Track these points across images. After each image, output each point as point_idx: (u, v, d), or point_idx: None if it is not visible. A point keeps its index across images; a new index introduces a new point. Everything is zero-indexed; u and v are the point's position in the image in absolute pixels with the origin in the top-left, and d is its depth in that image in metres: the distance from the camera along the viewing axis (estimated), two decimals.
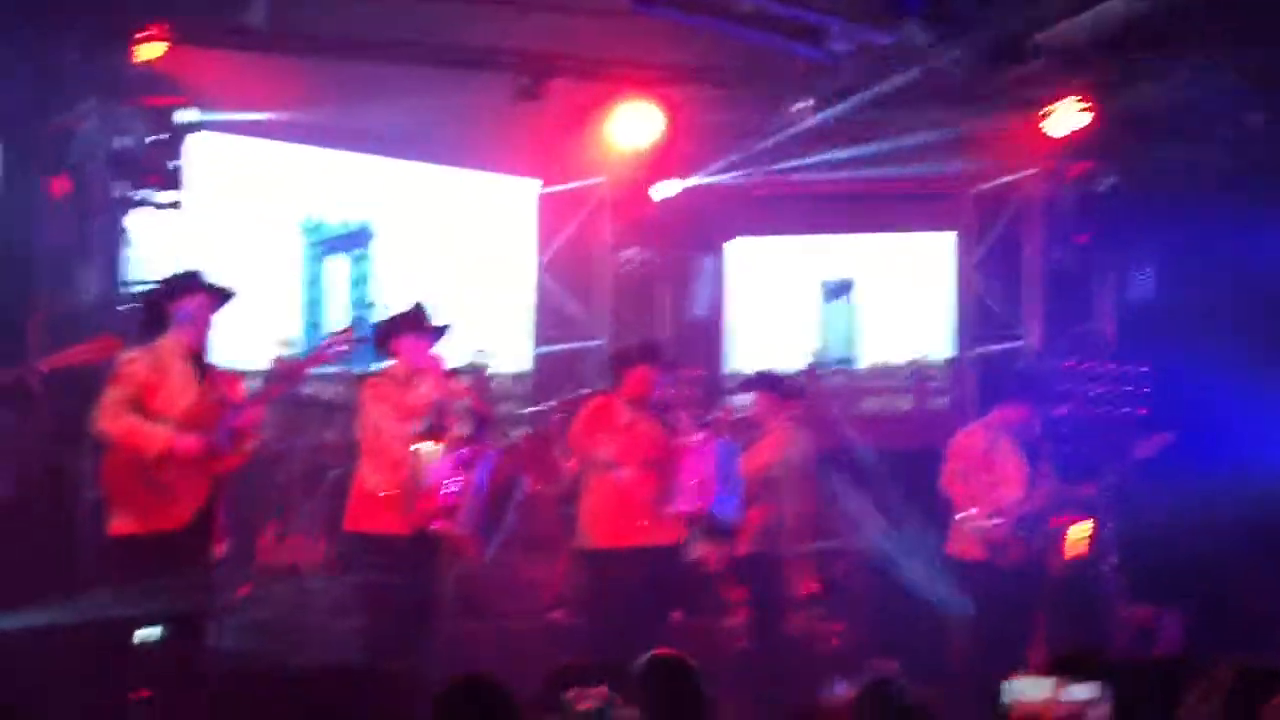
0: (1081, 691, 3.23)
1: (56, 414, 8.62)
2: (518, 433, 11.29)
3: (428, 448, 7.85)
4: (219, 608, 7.73)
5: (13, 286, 9.85)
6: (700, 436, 8.70)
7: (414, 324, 8.23)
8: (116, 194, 10.05)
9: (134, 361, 7.41)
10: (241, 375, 7.84)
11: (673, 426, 8.72)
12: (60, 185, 9.79)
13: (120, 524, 7.38)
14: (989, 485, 9.40)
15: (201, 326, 7.54)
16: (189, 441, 7.28)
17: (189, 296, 7.52)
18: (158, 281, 8.49)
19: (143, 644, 7.30)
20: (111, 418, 7.33)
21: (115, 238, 10.09)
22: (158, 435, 7.27)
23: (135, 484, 7.31)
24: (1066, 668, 3.31)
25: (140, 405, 7.35)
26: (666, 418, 8.76)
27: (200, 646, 7.44)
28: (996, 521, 9.26)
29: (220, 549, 7.48)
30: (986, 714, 3.40)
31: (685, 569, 9.13)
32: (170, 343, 7.48)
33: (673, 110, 11.38)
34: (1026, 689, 3.27)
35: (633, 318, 12.41)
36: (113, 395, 7.35)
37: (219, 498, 7.45)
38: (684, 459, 8.60)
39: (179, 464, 7.29)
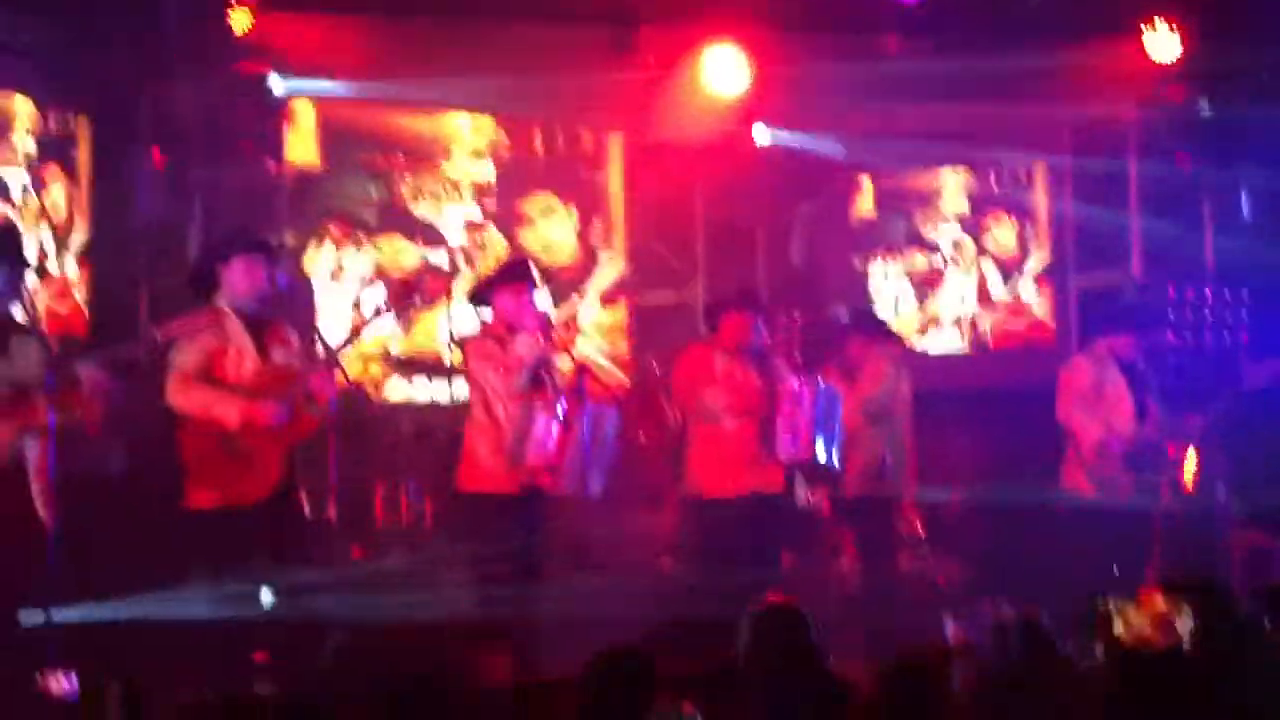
0: (1179, 611, 3.21)
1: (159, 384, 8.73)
2: (619, 385, 11.30)
3: (531, 403, 7.85)
4: (329, 570, 7.77)
5: (115, 260, 10.00)
6: (799, 382, 8.66)
7: (513, 278, 8.23)
8: (213, 164, 10.14)
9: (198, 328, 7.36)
10: (294, 332, 7.73)
11: (771, 373, 8.68)
12: (157, 157, 9.90)
13: (200, 496, 7.33)
14: (1101, 415, 9.32)
15: (254, 286, 7.42)
16: (266, 409, 7.19)
17: (235, 256, 7.44)
18: (206, 246, 8.54)
19: (258, 611, 7.39)
20: (182, 390, 7.26)
21: (214, 207, 10.18)
22: (232, 405, 7.20)
23: (215, 455, 7.26)
24: (1170, 590, 3.28)
25: (208, 373, 7.29)
26: (764, 364, 8.73)
27: (313, 609, 7.46)
28: (1106, 450, 9.20)
29: (330, 510, 7.50)
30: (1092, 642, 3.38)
31: (791, 515, 9.13)
32: (225, 306, 7.41)
33: (764, 57, 11.32)
34: (1126, 605, 3.26)
35: (728, 266, 12.38)
36: (180, 366, 7.27)
37: (301, 462, 7.41)
38: (784, 405, 8.56)
39: (254, 432, 7.23)
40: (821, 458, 8.67)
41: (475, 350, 8.13)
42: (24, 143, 9.74)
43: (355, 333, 8.10)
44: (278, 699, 3.60)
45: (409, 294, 8.20)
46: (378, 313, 7.94)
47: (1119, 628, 3.27)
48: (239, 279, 7.38)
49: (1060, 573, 8.77)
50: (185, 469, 7.46)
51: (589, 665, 4.85)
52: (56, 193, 9.91)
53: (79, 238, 10.00)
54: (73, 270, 9.94)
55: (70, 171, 9.99)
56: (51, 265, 9.82)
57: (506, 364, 7.88)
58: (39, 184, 9.80)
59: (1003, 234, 12.20)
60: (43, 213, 9.82)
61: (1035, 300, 12.09)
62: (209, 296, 7.44)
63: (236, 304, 7.38)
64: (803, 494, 9.48)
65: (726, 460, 8.57)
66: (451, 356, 9.26)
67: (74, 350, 7.38)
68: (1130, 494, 9.23)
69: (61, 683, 4.12)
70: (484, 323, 8.35)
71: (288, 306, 7.77)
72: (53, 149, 9.91)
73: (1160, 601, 3.30)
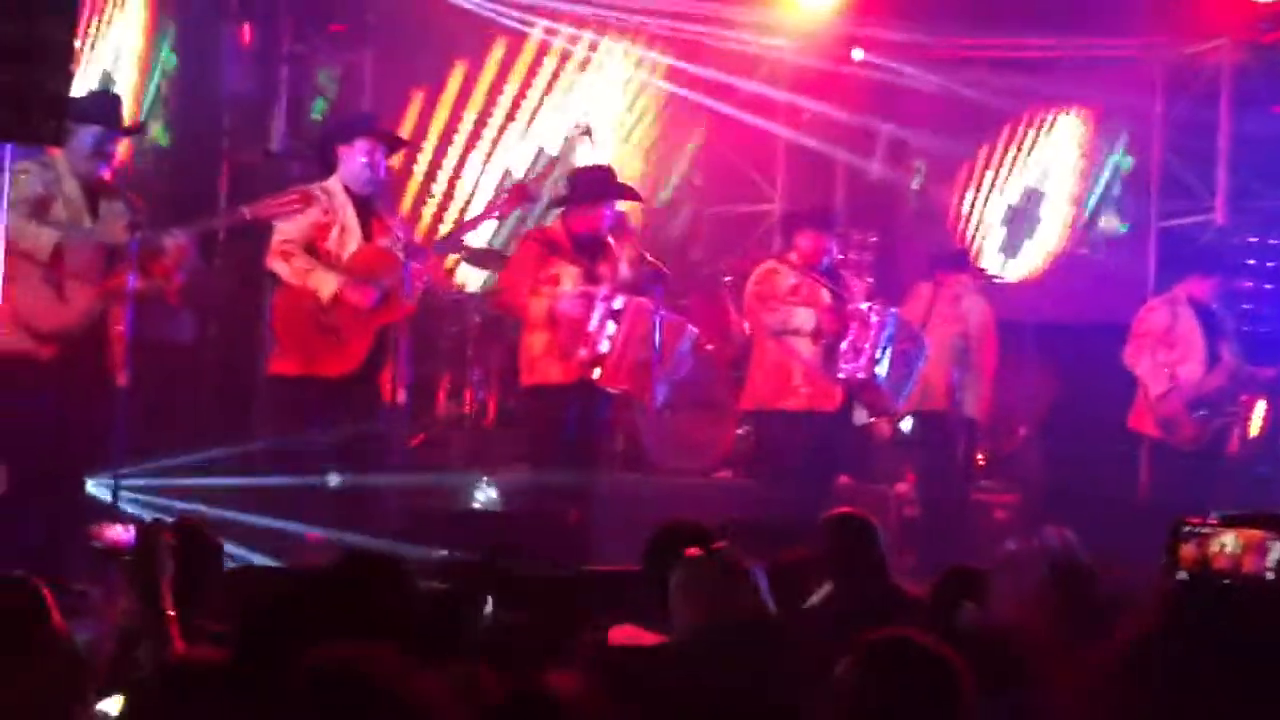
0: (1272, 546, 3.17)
1: (239, 258, 8.78)
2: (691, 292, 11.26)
3: (586, 299, 7.85)
4: (394, 452, 7.83)
5: (201, 134, 10.02)
6: (869, 305, 8.62)
7: (587, 190, 8.19)
8: (303, 43, 10.14)
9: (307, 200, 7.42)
10: (408, 220, 7.82)
11: (841, 293, 8.65)
12: (246, 34, 9.90)
13: (283, 364, 7.47)
14: (1171, 361, 9.26)
15: (370, 170, 7.48)
16: (360, 291, 7.27)
17: (358, 139, 7.50)
18: (329, 125, 8.58)
19: (324, 485, 7.46)
20: (283, 257, 7.36)
21: (302, 86, 10.19)
22: (329, 280, 7.28)
23: (304, 326, 7.34)
24: (1241, 523, 3.24)
25: (311, 246, 7.37)
26: (836, 284, 8.69)
27: (376, 489, 7.54)
28: (1172, 397, 9.15)
29: (400, 396, 7.54)
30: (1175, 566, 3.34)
31: (852, 434, 9.12)
32: (338, 184, 7.47)
33: None
34: (1218, 531, 3.22)
35: (806, 181, 12.31)
36: (286, 233, 7.37)
37: (390, 345, 7.46)
38: (851, 327, 8.53)
39: (349, 309, 7.30)
40: (883, 381, 8.63)
41: (525, 254, 8.14)
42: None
43: (464, 228, 8.12)
44: (329, 570, 3.65)
45: (527, 198, 8.21)
46: (488, 213, 7.96)
47: (1213, 549, 3.23)
48: (356, 162, 7.42)
49: (1125, 508, 8.77)
50: (273, 335, 7.62)
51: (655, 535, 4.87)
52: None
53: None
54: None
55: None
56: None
57: (550, 277, 7.90)
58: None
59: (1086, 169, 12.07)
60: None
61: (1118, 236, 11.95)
62: (327, 173, 7.52)
63: (349, 185, 7.43)
64: (863, 415, 9.46)
65: (788, 376, 8.55)
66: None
67: (161, 217, 7.41)
68: (1196, 438, 9.18)
69: (119, 532, 4.16)
70: (542, 227, 8.35)
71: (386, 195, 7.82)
72: None
73: (1254, 532, 3.26)
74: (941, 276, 9.57)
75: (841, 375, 8.55)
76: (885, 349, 8.55)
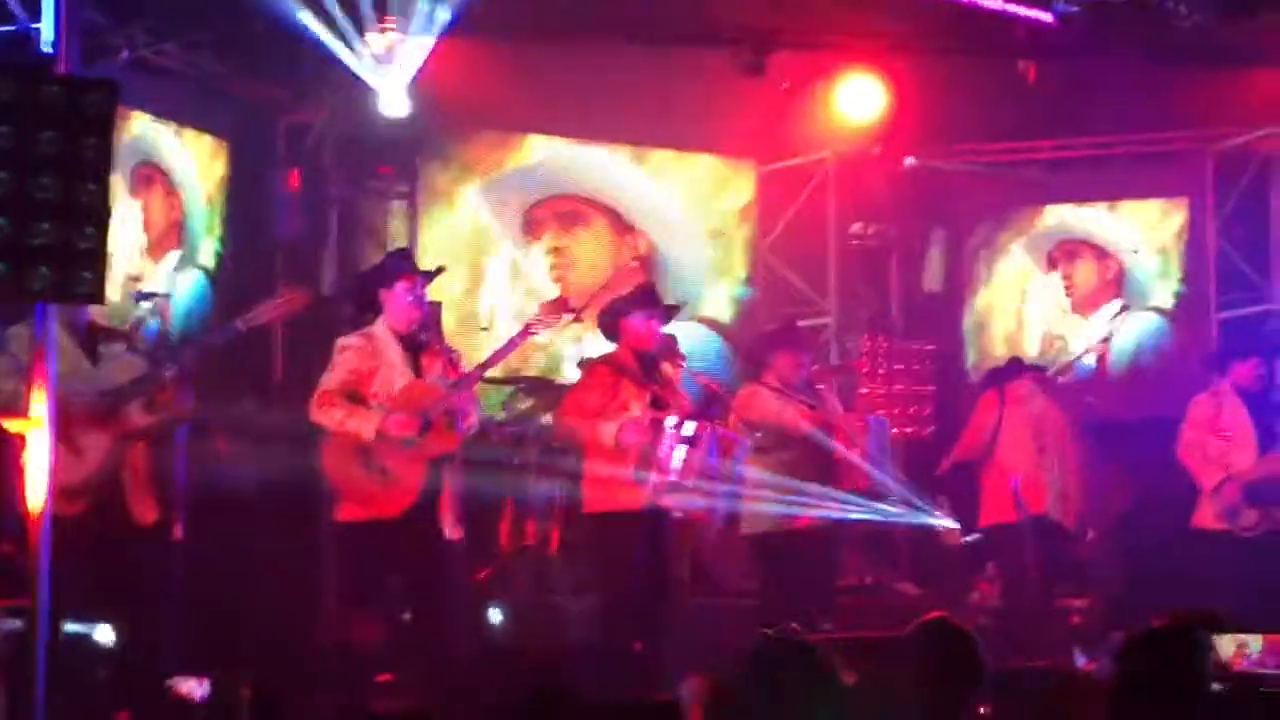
0: None
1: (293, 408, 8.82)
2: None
3: (655, 423, 7.82)
4: (456, 591, 7.77)
5: (253, 282, 10.12)
6: (848, 416, 8.62)
7: (643, 303, 8.22)
8: (350, 186, 10.26)
9: (346, 349, 7.43)
10: (458, 354, 7.82)
11: (819, 406, 8.61)
12: (294, 179, 10.03)
13: (345, 510, 7.45)
14: (1222, 451, 9.15)
15: (413, 308, 7.48)
16: (400, 421, 7.22)
17: (399, 278, 7.50)
18: (366, 269, 8.63)
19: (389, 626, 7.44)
20: (323, 406, 7.34)
21: (351, 229, 10.30)
22: (369, 421, 7.26)
23: (354, 470, 7.32)
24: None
25: (356, 393, 7.35)
26: (812, 398, 8.65)
27: (440, 629, 7.48)
28: (1228, 486, 9.03)
29: (457, 533, 7.49)
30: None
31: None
32: (382, 327, 7.48)
33: (895, 82, 11.27)
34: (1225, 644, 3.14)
35: (861, 293, 12.31)
36: (325, 384, 7.38)
37: (445, 481, 7.41)
38: (838, 438, 8.51)
39: (395, 448, 7.26)
40: (883, 487, 8.66)
41: (593, 380, 8.13)
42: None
43: (502, 354, 8.11)
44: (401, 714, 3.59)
45: (558, 311, 8.19)
46: (527, 331, 7.95)
47: (1231, 657, 3.16)
48: (399, 303, 7.46)
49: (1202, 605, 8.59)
50: (330, 484, 7.59)
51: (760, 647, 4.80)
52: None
53: (212, 255, 10.13)
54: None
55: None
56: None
57: (620, 404, 7.89)
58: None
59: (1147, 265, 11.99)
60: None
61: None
62: (370, 317, 7.56)
63: (395, 326, 7.47)
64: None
65: (781, 491, 8.49)
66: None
67: (215, 364, 7.47)
68: (1258, 524, 9.03)
69: (194, 688, 4.13)
70: (606, 354, 8.34)
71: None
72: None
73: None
74: (1005, 384, 9.53)
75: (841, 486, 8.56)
76: (874, 456, 8.56)
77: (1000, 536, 9.52)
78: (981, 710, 4.73)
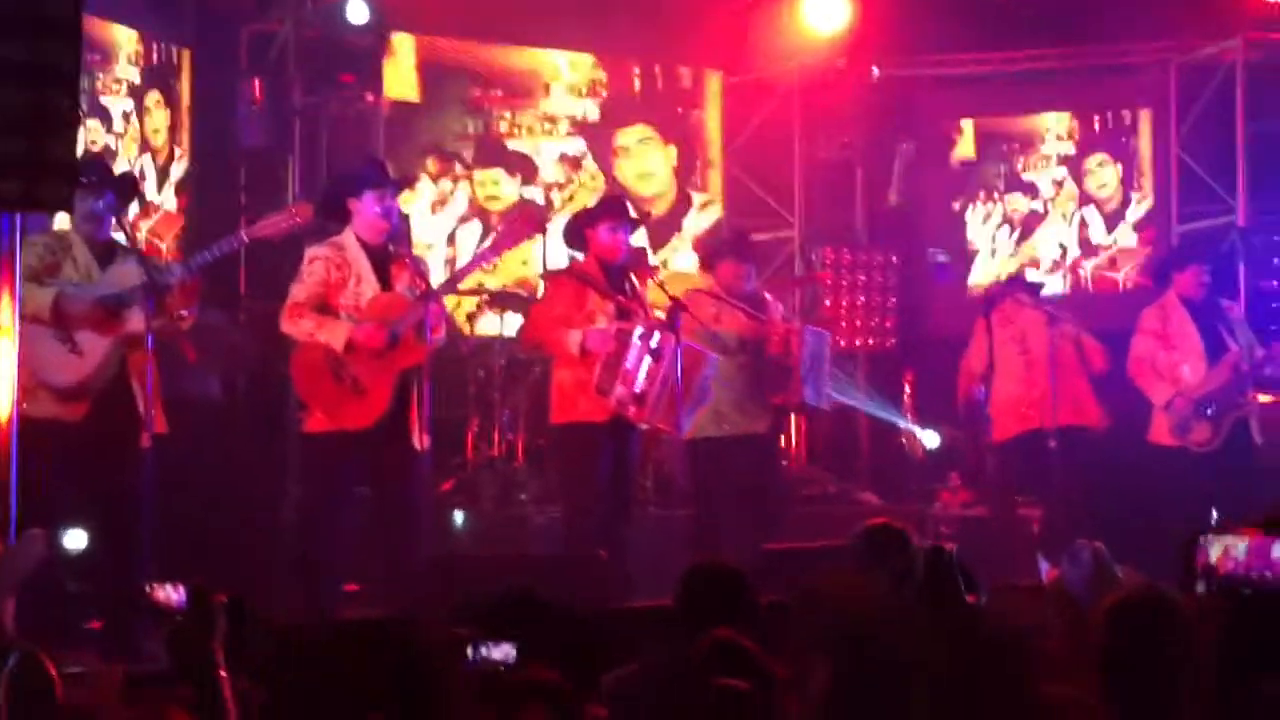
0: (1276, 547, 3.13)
1: (264, 313, 8.81)
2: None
3: (620, 335, 7.84)
4: (424, 500, 7.80)
5: (217, 190, 10.11)
6: (789, 327, 8.66)
7: (609, 214, 8.21)
8: (313, 94, 10.21)
9: (315, 259, 7.40)
10: (426, 264, 7.82)
11: (761, 318, 8.64)
12: (257, 88, 9.97)
13: (313, 421, 7.46)
14: (1171, 364, 9.22)
15: (383, 219, 7.46)
16: (369, 332, 7.21)
17: (368, 189, 7.46)
18: (336, 176, 8.60)
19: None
20: (293, 318, 7.34)
21: (314, 137, 10.26)
22: (339, 331, 7.25)
23: (323, 382, 7.32)
24: (1268, 523, 3.20)
25: (325, 304, 7.33)
26: (756, 309, 8.68)
27: (407, 539, 7.52)
28: (1178, 401, 9.12)
29: (423, 442, 7.51)
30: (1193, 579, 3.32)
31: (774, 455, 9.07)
32: (351, 237, 7.45)
33: None
34: (1217, 544, 3.18)
35: (826, 206, 12.33)
36: (295, 295, 7.36)
37: (413, 392, 7.42)
38: (773, 348, 8.57)
39: (365, 359, 7.26)
40: (810, 400, 8.71)
41: (558, 291, 8.14)
42: (127, 72, 9.83)
43: (473, 264, 8.10)
44: (370, 622, 3.62)
45: (533, 225, 8.17)
46: (495, 248, 7.93)
47: (1218, 559, 3.20)
48: (368, 212, 7.44)
49: (1154, 517, 8.71)
50: (299, 394, 7.63)
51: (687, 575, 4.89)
52: (158, 121, 10.02)
53: (179, 168, 10.11)
54: (171, 201, 10.04)
55: (172, 102, 10.09)
56: (152, 194, 9.92)
57: (586, 314, 7.91)
58: (141, 112, 9.90)
59: (1105, 178, 12.04)
60: (143, 141, 9.93)
61: (1136, 246, 11.91)
62: (338, 226, 7.53)
63: (363, 236, 7.45)
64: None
65: (721, 401, 8.52)
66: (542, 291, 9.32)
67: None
68: (1211, 439, 9.11)
69: (171, 594, 4.15)
70: (574, 259, 8.35)
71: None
72: (154, 78, 10.00)
73: (1258, 535, 3.22)
74: (993, 309, 9.59)
75: (769, 398, 8.65)
76: (809, 368, 8.60)
77: (1000, 449, 9.63)
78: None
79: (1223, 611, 3.19)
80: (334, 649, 3.12)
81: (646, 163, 12.12)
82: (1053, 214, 12.10)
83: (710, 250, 9.30)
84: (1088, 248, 12.02)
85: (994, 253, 12.16)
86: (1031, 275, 11.22)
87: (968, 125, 12.24)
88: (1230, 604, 3.18)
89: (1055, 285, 11.79)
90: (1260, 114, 11.29)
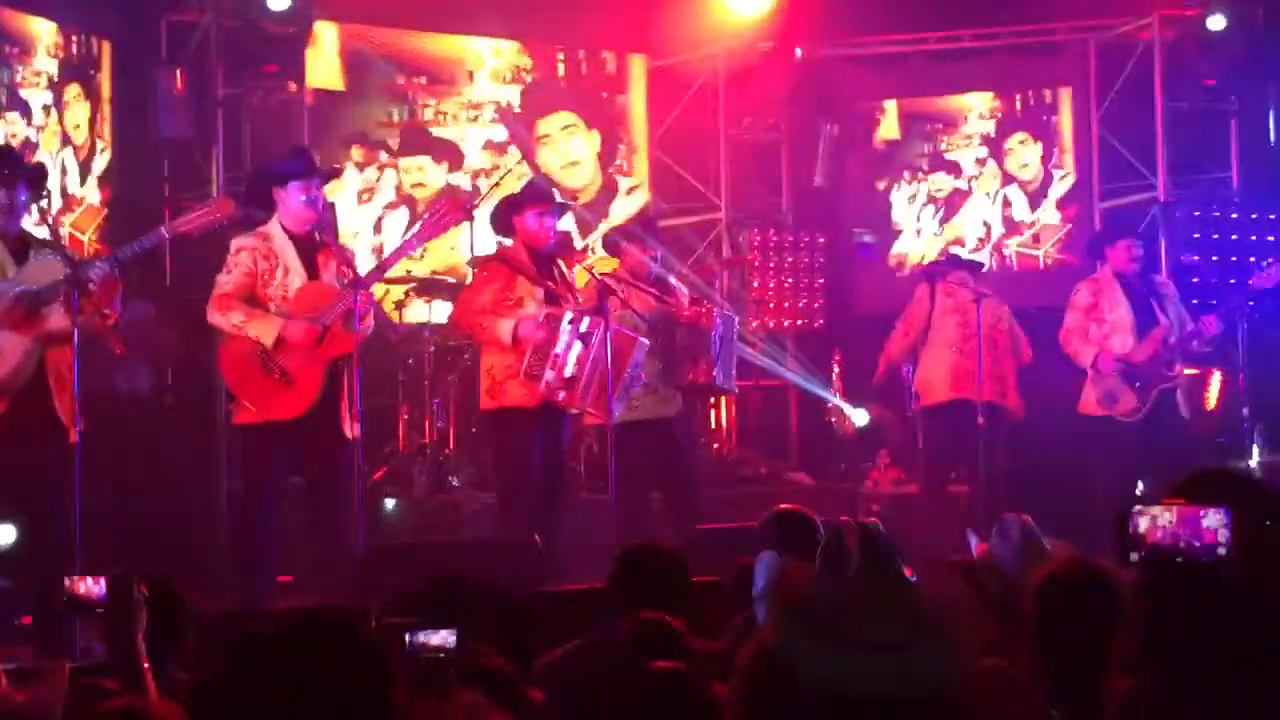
0: (1208, 516, 3.17)
1: (190, 304, 8.77)
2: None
3: (549, 320, 7.85)
4: (356, 489, 7.80)
5: (140, 183, 10.04)
6: (696, 309, 8.69)
7: (536, 200, 8.22)
8: (235, 84, 10.15)
9: (242, 250, 7.37)
10: (352, 252, 7.80)
11: (670, 301, 8.68)
12: (178, 79, 9.90)
13: (243, 413, 7.41)
14: (1101, 336, 9.34)
15: (308, 208, 7.42)
16: (299, 328, 7.20)
17: (293, 179, 7.42)
18: (261, 166, 8.55)
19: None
20: (220, 310, 7.30)
21: (238, 127, 10.20)
22: (269, 326, 7.23)
23: (252, 373, 7.29)
24: (1194, 492, 3.24)
25: (251, 294, 7.31)
26: (664, 293, 8.71)
27: (339, 528, 7.50)
28: (1104, 362, 9.23)
29: (354, 431, 7.50)
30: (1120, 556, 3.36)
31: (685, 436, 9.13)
32: (277, 227, 7.42)
33: None
34: (1146, 515, 3.21)
35: (751, 189, 12.38)
36: (221, 287, 7.32)
37: (343, 382, 7.40)
38: (681, 332, 8.61)
39: (294, 351, 7.25)
40: (720, 382, 8.74)
41: (487, 277, 8.14)
42: (46, 65, 9.75)
43: (399, 252, 8.07)
44: (299, 613, 3.62)
45: (460, 212, 8.10)
46: (421, 235, 7.89)
47: (1146, 530, 3.23)
48: (294, 202, 7.41)
49: (1082, 489, 8.82)
50: (228, 386, 7.58)
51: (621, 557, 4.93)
52: (79, 114, 9.93)
53: (101, 160, 10.03)
54: (94, 194, 9.96)
55: (92, 94, 10.01)
56: (74, 187, 9.85)
57: (515, 300, 7.91)
58: (60, 105, 9.82)
59: (1026, 157, 12.15)
60: (64, 134, 9.85)
61: (1059, 223, 12.03)
62: (264, 216, 7.49)
63: (288, 225, 7.42)
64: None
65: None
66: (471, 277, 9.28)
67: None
68: (1137, 409, 9.22)
69: (91, 587, 4.13)
70: (501, 244, 8.35)
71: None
72: (74, 71, 9.92)
73: (1185, 505, 3.26)
74: (937, 280, 9.64)
75: (676, 381, 8.67)
76: (716, 351, 8.62)
77: (929, 419, 9.71)
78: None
79: (1153, 582, 3.22)
80: (284, 641, 3.12)
81: (570, 150, 12.13)
82: (976, 193, 12.22)
83: (615, 234, 9.29)
84: (1011, 226, 12.13)
85: (919, 232, 12.27)
86: (957, 254, 11.30)
87: (891, 106, 12.33)
88: (1161, 575, 3.22)
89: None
90: (1178, 92, 11.42)
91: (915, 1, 11.73)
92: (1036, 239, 12.10)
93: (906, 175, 12.33)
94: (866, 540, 3.90)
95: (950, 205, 12.25)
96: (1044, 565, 4.37)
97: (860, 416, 11.02)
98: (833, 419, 11.47)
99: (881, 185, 12.33)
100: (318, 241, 7.52)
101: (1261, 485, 3.74)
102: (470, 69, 11.79)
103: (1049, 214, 12.07)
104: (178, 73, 9.90)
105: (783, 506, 5.55)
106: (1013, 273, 11.97)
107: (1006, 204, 12.14)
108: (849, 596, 2.35)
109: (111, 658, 4.03)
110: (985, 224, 12.19)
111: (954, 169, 12.26)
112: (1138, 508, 3.23)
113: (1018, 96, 12.21)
